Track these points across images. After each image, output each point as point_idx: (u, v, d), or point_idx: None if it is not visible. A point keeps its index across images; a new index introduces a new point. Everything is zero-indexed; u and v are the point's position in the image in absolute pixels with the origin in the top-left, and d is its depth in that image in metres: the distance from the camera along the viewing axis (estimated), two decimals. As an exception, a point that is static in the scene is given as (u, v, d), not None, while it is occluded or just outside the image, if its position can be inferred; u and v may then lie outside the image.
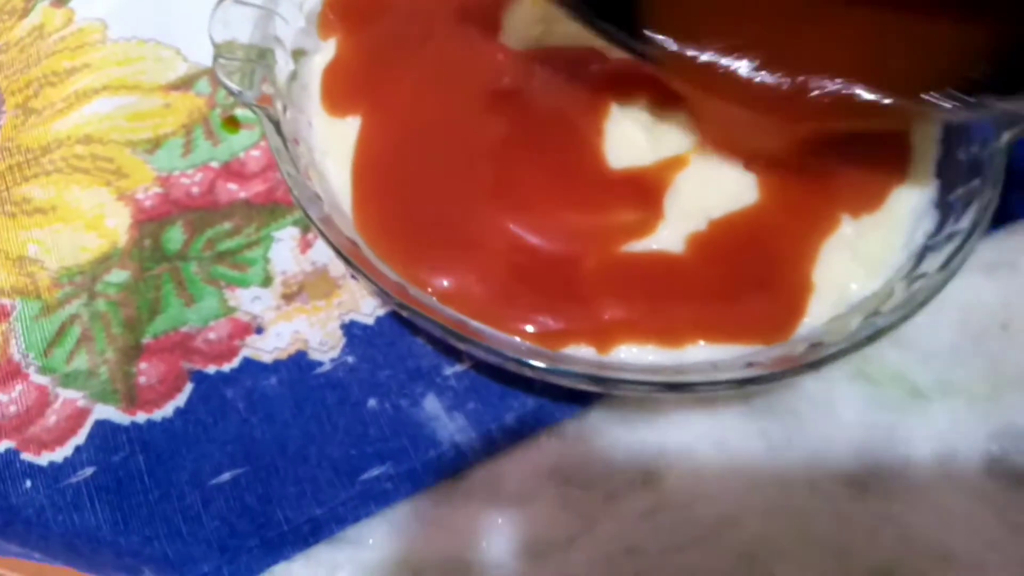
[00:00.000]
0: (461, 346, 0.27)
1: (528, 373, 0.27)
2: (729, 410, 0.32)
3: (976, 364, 0.32)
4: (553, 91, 0.33)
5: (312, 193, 0.29)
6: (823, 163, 0.31)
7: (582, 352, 0.28)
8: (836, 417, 0.32)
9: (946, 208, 0.31)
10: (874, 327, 0.27)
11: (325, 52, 0.34)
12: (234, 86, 0.30)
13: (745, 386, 0.26)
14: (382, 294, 0.27)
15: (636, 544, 0.29)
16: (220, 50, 0.31)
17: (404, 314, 0.27)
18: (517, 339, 0.28)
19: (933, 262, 0.29)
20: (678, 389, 0.26)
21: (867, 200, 0.31)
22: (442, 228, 0.30)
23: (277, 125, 0.30)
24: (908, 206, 0.31)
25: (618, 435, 0.31)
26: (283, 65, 0.33)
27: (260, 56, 0.32)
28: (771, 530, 0.30)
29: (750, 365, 0.27)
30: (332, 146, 0.32)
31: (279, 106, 0.31)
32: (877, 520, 0.30)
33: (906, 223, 0.31)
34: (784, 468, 0.31)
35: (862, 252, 0.30)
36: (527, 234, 0.30)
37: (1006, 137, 0.30)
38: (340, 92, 0.33)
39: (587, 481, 0.30)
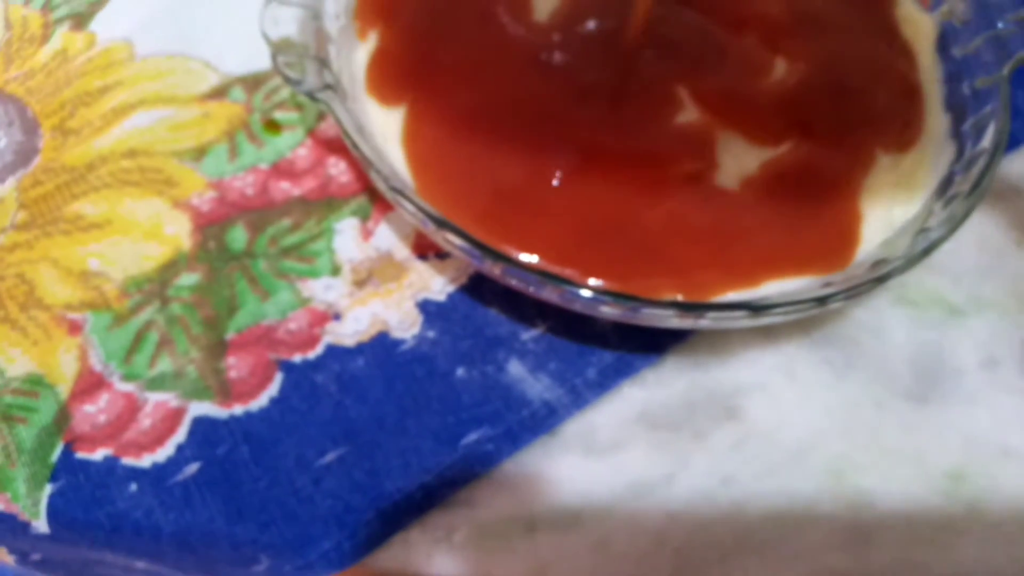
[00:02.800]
0: (556, 297, 0.29)
1: (617, 314, 0.28)
2: (792, 344, 0.34)
3: (1001, 279, 0.35)
4: (593, 57, 0.35)
5: (391, 169, 0.30)
6: (850, 106, 0.34)
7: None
8: (888, 339, 0.34)
9: (961, 137, 0.33)
10: (928, 240, 0.29)
11: (367, 45, 0.35)
12: (296, 76, 0.31)
13: (826, 303, 0.28)
14: (480, 253, 0.28)
15: (729, 474, 0.31)
16: (277, 47, 0.32)
17: (501, 273, 0.28)
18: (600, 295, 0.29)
19: (963, 184, 0.32)
20: (765, 311, 0.28)
21: (894, 135, 0.34)
22: (512, 198, 0.31)
23: (341, 112, 0.31)
24: (928, 138, 0.34)
25: (695, 378, 0.33)
26: (334, 59, 0.34)
27: (312, 51, 0.33)
28: (849, 447, 0.32)
29: (826, 286, 0.29)
30: (391, 132, 0.33)
31: (338, 97, 0.32)
32: (941, 427, 0.32)
33: (929, 153, 0.34)
34: (851, 390, 0.33)
35: (899, 181, 0.33)
36: (595, 191, 0.31)
37: (1006, 68, 0.33)
38: (387, 83, 0.34)
39: (674, 423, 0.32)
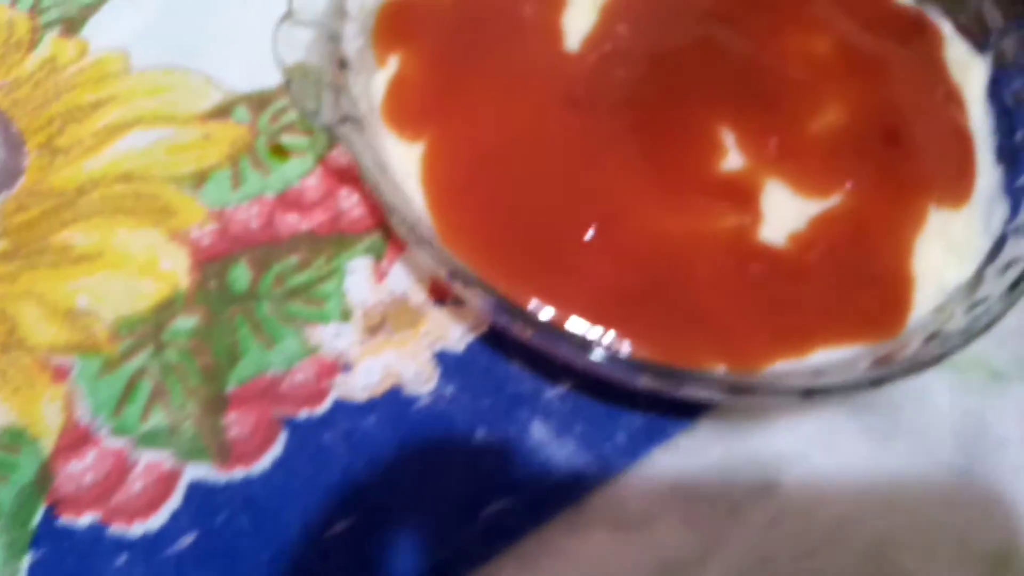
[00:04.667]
0: (591, 365, 0.26)
1: (656, 387, 0.26)
2: (831, 409, 0.32)
3: (1047, 342, 0.33)
4: (630, 93, 0.32)
5: (415, 216, 0.27)
6: (901, 156, 0.32)
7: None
8: (930, 406, 0.32)
9: (1016, 193, 0.32)
10: (989, 316, 0.28)
11: (387, 71, 0.32)
12: (312, 108, 0.28)
13: (882, 384, 0.26)
14: (505, 311, 0.26)
15: (767, 554, 0.29)
16: (291, 74, 0.29)
17: (526, 332, 0.26)
18: (635, 361, 0.27)
19: (1018, 246, 0.30)
20: (818, 395, 0.26)
21: (946, 190, 0.32)
22: (541, 249, 0.29)
23: (362, 150, 0.28)
24: (980, 193, 0.32)
25: (731, 445, 0.31)
26: (351, 85, 0.31)
27: (329, 79, 0.30)
28: (891, 524, 0.30)
29: (879, 362, 0.27)
30: (410, 169, 0.30)
31: (356, 132, 0.29)
32: (985, 503, 0.30)
33: (981, 209, 0.32)
34: (891, 461, 0.31)
35: (951, 240, 0.31)
36: (629, 246, 0.29)
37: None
38: (406, 114, 0.31)
39: (709, 496, 0.30)
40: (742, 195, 0.30)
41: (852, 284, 0.29)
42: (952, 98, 0.34)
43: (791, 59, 0.34)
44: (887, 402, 0.32)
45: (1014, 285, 0.28)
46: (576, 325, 0.27)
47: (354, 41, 0.32)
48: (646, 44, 0.33)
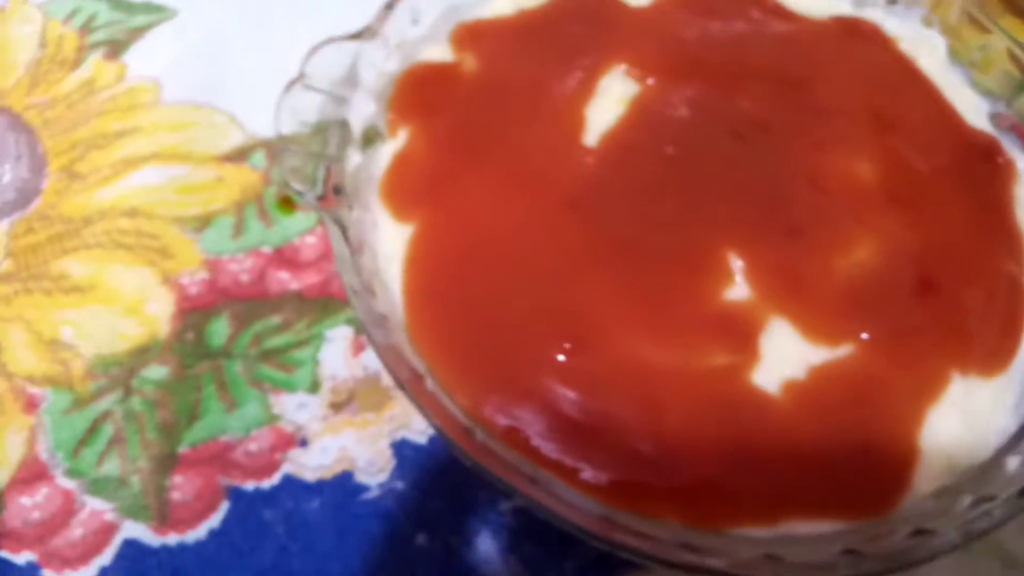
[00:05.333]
0: (522, 503, 0.25)
1: (597, 545, 0.24)
2: (808, 570, 0.29)
3: (1078, 535, 0.30)
4: (640, 201, 0.30)
5: (378, 315, 0.26)
6: (934, 311, 0.28)
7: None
8: (926, 586, 0.29)
9: (1062, 370, 0.28)
10: (990, 518, 0.24)
11: (395, 144, 0.31)
12: (299, 186, 0.28)
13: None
14: (445, 440, 0.25)
15: None
16: (286, 143, 0.29)
17: (466, 463, 0.25)
18: (587, 500, 0.25)
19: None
20: (770, 578, 0.23)
21: (979, 356, 0.28)
22: (507, 360, 0.27)
23: (344, 232, 0.27)
24: (1020, 364, 0.29)
25: (688, 594, 0.28)
26: (351, 155, 0.30)
27: (326, 148, 0.29)
28: None
29: (849, 553, 0.24)
30: (397, 251, 0.29)
31: (344, 206, 0.29)
32: None
33: (1016, 382, 0.28)
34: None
35: (971, 414, 0.28)
36: (603, 373, 0.27)
37: None
38: (403, 194, 0.30)
39: (653, 647, 0.28)
40: (740, 334, 0.28)
41: (843, 450, 0.26)
42: (1013, 247, 0.31)
43: (828, 182, 0.31)
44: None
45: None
46: (511, 463, 0.25)
47: (364, 108, 0.31)
48: (667, 146, 0.31)
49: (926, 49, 0.35)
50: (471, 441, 0.25)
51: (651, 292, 0.28)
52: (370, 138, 0.31)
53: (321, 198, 0.28)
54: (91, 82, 0.37)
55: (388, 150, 0.31)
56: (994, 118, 0.34)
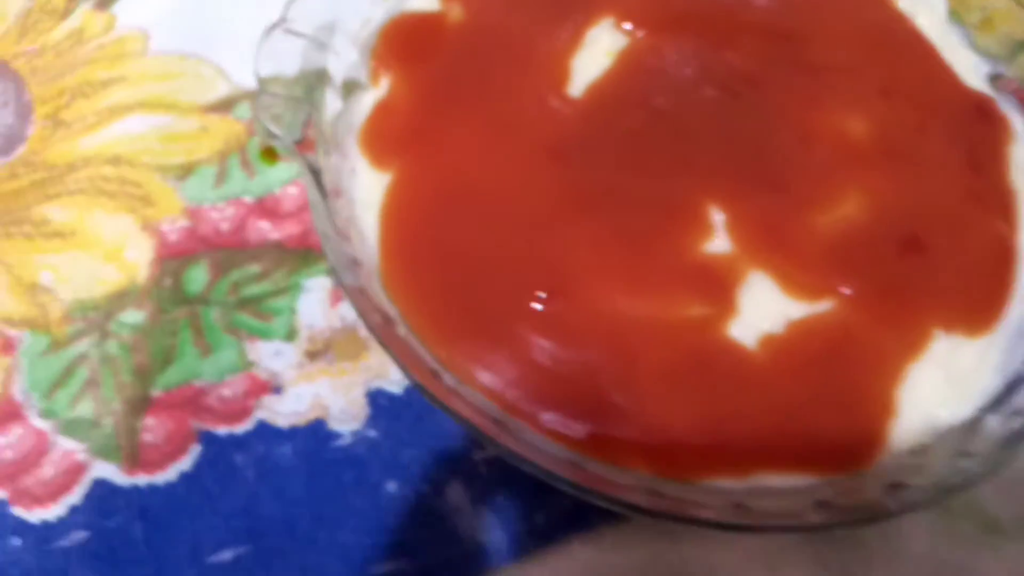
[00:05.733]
0: (491, 450, 0.25)
1: (565, 490, 0.24)
2: (783, 529, 0.28)
3: (1063, 501, 0.29)
4: (623, 152, 0.30)
5: (349, 258, 0.26)
6: (919, 269, 0.28)
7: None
8: (903, 549, 0.28)
9: (1053, 329, 0.27)
10: (965, 474, 0.24)
11: (376, 92, 0.31)
12: (275, 128, 0.28)
13: (814, 531, 0.23)
14: (412, 382, 0.25)
15: (668, 677, 0.26)
16: (264, 85, 0.28)
17: (435, 406, 0.25)
18: (556, 447, 0.25)
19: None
20: (737, 529, 0.23)
21: (965, 313, 0.28)
22: (482, 308, 0.27)
23: (318, 176, 0.27)
24: (1008, 324, 0.28)
25: (660, 549, 0.28)
26: (331, 102, 0.30)
27: (307, 93, 0.29)
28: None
29: (821, 505, 0.24)
30: (375, 199, 0.29)
31: (321, 152, 0.28)
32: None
33: (1001, 343, 0.28)
34: (841, 604, 0.27)
35: (954, 372, 0.27)
36: (578, 322, 0.27)
37: None
38: (383, 141, 0.30)
39: (620, 599, 0.27)
40: (717, 285, 0.27)
41: (818, 405, 0.26)
42: (1004, 207, 0.30)
43: (818, 137, 0.30)
44: (849, 533, 0.28)
45: (1013, 439, 0.24)
46: (481, 408, 0.25)
47: (346, 56, 0.31)
48: (653, 98, 0.30)
49: (925, 8, 0.34)
50: (439, 385, 0.25)
51: (629, 242, 0.28)
52: (351, 86, 0.31)
53: (299, 142, 0.28)
54: (80, 31, 0.36)
55: (370, 98, 0.31)
56: (993, 79, 0.33)
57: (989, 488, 0.29)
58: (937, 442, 0.26)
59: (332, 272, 0.30)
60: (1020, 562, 0.28)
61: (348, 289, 0.25)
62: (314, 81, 0.30)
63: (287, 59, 0.29)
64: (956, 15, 0.34)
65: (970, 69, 0.33)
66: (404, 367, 0.25)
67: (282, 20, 0.30)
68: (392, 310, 0.27)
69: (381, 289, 0.28)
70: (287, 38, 0.30)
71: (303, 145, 0.28)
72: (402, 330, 0.27)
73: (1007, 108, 0.32)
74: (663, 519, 0.23)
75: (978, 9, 0.34)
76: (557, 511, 0.28)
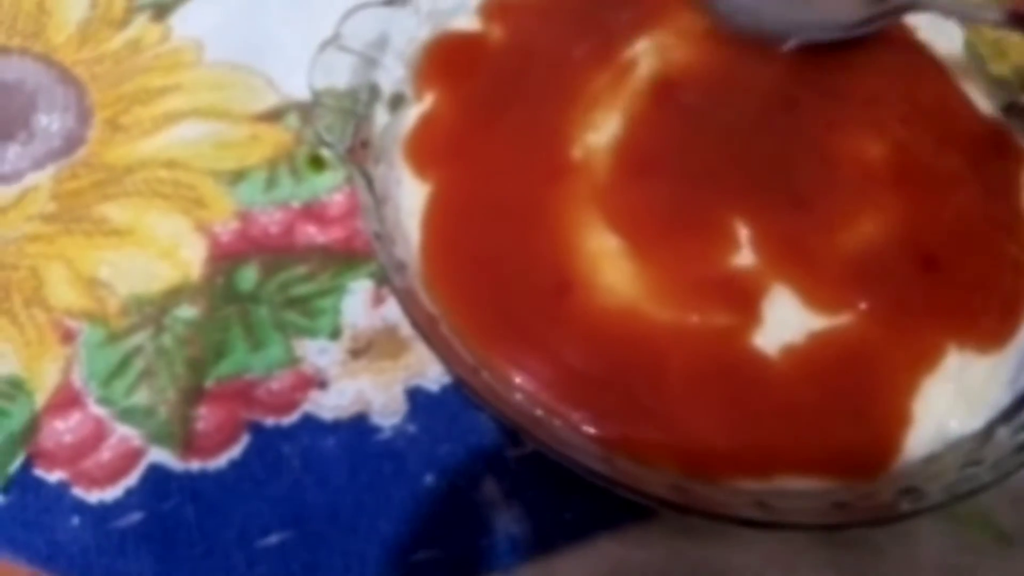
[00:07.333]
0: (528, 445, 0.26)
1: (596, 482, 0.26)
2: (800, 532, 0.30)
3: (1071, 513, 0.30)
4: (654, 165, 0.31)
5: (398, 261, 0.28)
6: (934, 288, 0.29)
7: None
8: (914, 555, 0.30)
9: (1061, 351, 0.29)
10: (976, 481, 0.25)
11: (420, 106, 0.33)
12: (329, 136, 0.29)
13: (832, 531, 0.25)
14: (455, 378, 0.26)
15: (690, 669, 0.28)
16: (318, 97, 0.30)
17: (475, 401, 0.26)
18: (589, 444, 0.26)
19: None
20: (760, 526, 0.24)
21: (978, 331, 0.29)
22: (516, 313, 0.28)
23: (370, 182, 0.29)
24: (1019, 340, 0.29)
25: (681, 547, 0.29)
26: (379, 115, 0.32)
27: (357, 105, 0.31)
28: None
29: (838, 506, 0.25)
30: (417, 206, 0.31)
31: (371, 161, 0.30)
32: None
33: (1011, 360, 0.29)
34: (854, 605, 0.29)
35: (966, 386, 0.28)
36: (608, 328, 0.28)
37: None
38: (425, 152, 0.32)
39: (643, 592, 0.29)
40: (742, 296, 0.29)
41: (837, 413, 0.27)
42: (1017, 230, 0.31)
43: (841, 160, 0.32)
44: (865, 538, 0.30)
45: (1022, 449, 0.26)
46: (518, 403, 0.27)
47: (394, 72, 0.33)
48: (688, 115, 0.32)
49: (944, 38, 0.36)
50: (478, 380, 0.26)
51: (659, 253, 0.29)
52: (397, 100, 0.33)
53: (350, 151, 0.30)
54: (137, 41, 0.38)
55: (414, 112, 0.33)
56: (1007, 108, 0.34)
57: (998, 500, 0.31)
58: (949, 451, 0.27)
59: (381, 273, 0.31)
60: (1026, 570, 0.29)
61: (397, 291, 0.27)
62: (364, 94, 0.31)
63: (339, 73, 0.31)
64: (972, 45, 0.36)
65: (985, 98, 0.34)
66: (448, 363, 0.26)
67: (335, 37, 0.31)
68: (434, 309, 0.29)
69: (423, 289, 0.29)
70: (339, 54, 0.31)
71: (353, 153, 0.30)
72: (444, 328, 0.28)
73: (1020, 136, 0.33)
74: (691, 514, 0.25)
75: (992, 40, 0.35)
76: (585, 507, 0.29)
